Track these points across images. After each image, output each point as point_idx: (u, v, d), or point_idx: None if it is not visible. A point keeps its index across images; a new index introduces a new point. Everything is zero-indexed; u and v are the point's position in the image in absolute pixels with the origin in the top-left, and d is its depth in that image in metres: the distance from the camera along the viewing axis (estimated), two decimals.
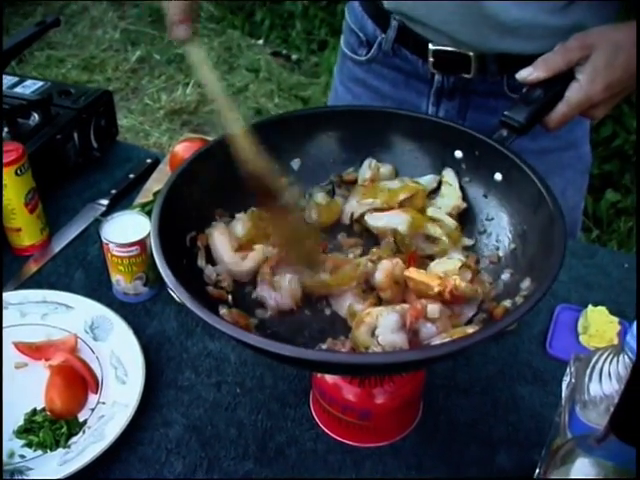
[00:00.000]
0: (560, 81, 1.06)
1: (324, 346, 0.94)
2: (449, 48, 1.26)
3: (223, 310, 0.96)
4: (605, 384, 0.79)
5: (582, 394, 0.81)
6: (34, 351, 1.14)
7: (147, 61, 3.94)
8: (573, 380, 0.87)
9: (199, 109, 3.61)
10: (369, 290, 1.00)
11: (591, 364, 0.82)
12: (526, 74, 1.07)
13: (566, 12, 1.19)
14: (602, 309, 1.20)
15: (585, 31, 1.08)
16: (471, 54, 1.25)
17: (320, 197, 1.12)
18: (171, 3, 0.92)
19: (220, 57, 3.95)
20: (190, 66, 0.97)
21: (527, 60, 1.10)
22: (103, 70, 3.87)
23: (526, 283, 0.95)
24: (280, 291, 0.99)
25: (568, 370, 0.91)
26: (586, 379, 0.82)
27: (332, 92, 1.60)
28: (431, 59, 1.29)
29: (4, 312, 1.20)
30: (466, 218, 1.09)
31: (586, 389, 0.81)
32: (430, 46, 1.28)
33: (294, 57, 4.01)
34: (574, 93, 1.05)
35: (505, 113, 1.05)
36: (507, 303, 0.94)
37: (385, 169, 1.12)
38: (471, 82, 1.30)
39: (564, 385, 0.92)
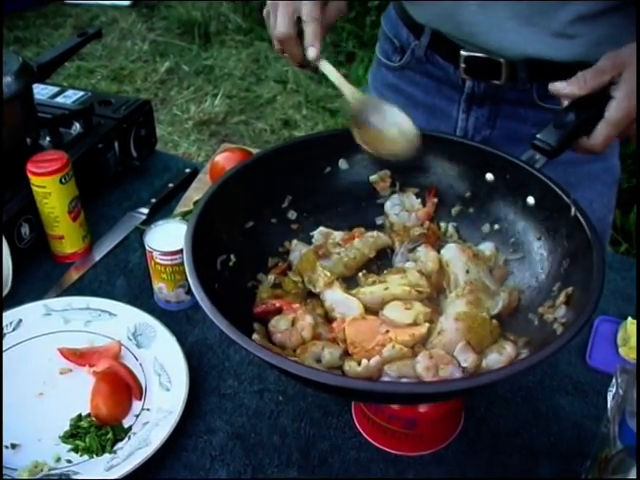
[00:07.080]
0: (592, 104, 1.05)
1: None
2: (480, 54, 1.29)
3: (256, 336, 0.97)
4: None
5: (632, 405, 0.81)
6: (78, 357, 1.16)
7: (176, 72, 3.97)
8: (620, 391, 0.87)
9: (227, 120, 3.64)
10: None
11: None
12: (560, 87, 1.07)
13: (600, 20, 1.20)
14: None
15: (616, 50, 1.08)
16: (502, 60, 1.27)
17: None
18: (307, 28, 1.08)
19: (248, 68, 3.98)
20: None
21: (556, 68, 1.11)
22: (132, 81, 3.90)
23: (561, 311, 0.95)
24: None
25: (614, 381, 0.91)
26: (635, 390, 0.82)
27: None
28: (462, 65, 1.31)
29: (48, 318, 1.22)
30: (498, 241, 1.10)
31: (636, 399, 0.81)
32: (462, 52, 1.30)
33: None
34: (613, 111, 1.04)
35: (537, 136, 1.05)
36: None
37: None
38: (501, 89, 1.32)
39: (609, 396, 0.92)
